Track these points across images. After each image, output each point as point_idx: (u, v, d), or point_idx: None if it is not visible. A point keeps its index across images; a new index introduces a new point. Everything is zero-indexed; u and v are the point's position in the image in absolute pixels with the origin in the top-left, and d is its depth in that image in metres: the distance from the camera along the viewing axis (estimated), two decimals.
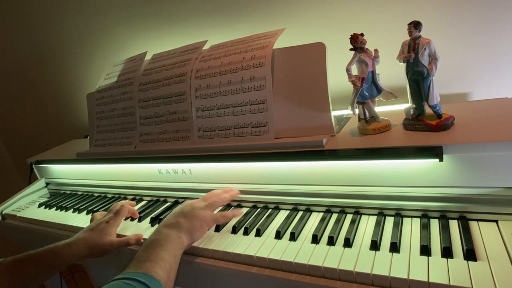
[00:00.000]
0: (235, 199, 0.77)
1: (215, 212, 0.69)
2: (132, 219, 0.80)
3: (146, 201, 0.91)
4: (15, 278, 0.63)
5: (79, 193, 1.10)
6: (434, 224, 0.55)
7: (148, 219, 0.78)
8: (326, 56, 0.69)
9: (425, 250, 0.49)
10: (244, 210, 0.74)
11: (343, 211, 0.65)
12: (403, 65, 0.63)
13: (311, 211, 0.68)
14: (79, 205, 0.96)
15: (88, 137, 1.10)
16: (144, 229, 0.74)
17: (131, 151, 0.91)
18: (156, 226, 0.75)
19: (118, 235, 0.72)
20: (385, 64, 0.69)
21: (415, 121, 0.64)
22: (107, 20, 1.35)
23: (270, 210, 0.71)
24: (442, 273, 0.44)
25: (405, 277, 0.45)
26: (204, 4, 1.13)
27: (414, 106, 0.64)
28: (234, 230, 0.65)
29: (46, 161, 1.14)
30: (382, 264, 0.48)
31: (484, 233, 0.51)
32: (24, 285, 0.64)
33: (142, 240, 0.70)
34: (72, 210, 0.95)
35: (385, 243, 0.53)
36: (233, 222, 0.69)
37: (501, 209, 0.52)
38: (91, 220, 0.78)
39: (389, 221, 0.58)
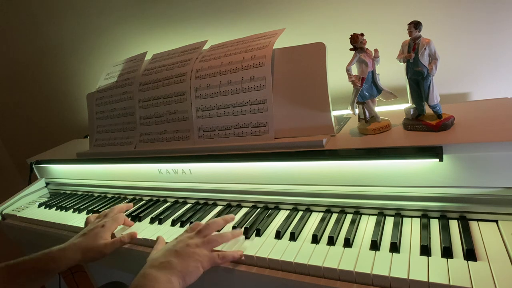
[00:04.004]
0: (235, 199, 0.77)
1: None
2: (133, 219, 0.80)
3: (145, 201, 0.91)
4: (10, 284, 0.61)
5: (79, 193, 1.10)
6: (434, 224, 0.55)
7: (148, 219, 0.78)
8: (326, 56, 0.69)
9: (425, 250, 0.49)
10: (244, 210, 0.74)
11: (343, 211, 0.65)
12: (403, 65, 0.63)
13: (311, 211, 0.68)
14: (79, 205, 0.96)
15: (88, 137, 1.10)
16: (144, 228, 0.74)
17: (131, 151, 0.91)
18: (156, 225, 0.75)
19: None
20: (385, 64, 0.69)
21: (415, 121, 0.64)
22: (107, 20, 1.35)
23: (270, 210, 0.71)
24: (442, 273, 0.44)
25: (405, 277, 0.45)
26: (204, 4, 1.13)
27: (414, 106, 0.64)
28: None
29: (46, 161, 1.14)
30: (382, 264, 0.48)
31: (484, 233, 0.51)
32: None
33: (137, 237, 0.70)
34: (72, 210, 0.95)
35: (385, 243, 0.53)
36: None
37: (501, 209, 0.52)
38: (86, 224, 0.77)
39: (389, 221, 0.58)
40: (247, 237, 0.63)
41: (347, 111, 0.87)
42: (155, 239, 0.68)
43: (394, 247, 0.51)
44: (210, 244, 0.59)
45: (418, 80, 0.60)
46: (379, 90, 0.66)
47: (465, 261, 0.46)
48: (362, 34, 0.63)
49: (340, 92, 0.90)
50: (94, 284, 1.29)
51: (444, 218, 0.55)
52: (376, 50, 0.64)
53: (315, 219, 0.65)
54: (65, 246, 0.66)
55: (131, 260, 0.74)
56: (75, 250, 0.66)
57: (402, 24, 0.61)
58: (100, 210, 0.89)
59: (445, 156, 0.54)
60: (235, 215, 0.73)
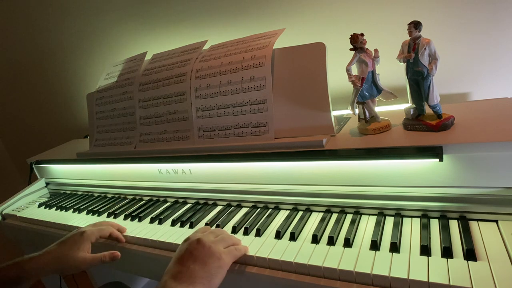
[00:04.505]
0: (235, 199, 0.77)
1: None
2: (132, 219, 0.80)
3: (145, 201, 0.91)
4: None
5: (79, 193, 1.10)
6: (434, 224, 0.55)
7: (148, 218, 0.78)
8: (326, 56, 0.69)
9: (425, 250, 0.49)
10: (244, 210, 0.74)
11: (343, 211, 0.65)
12: (403, 65, 0.63)
13: (311, 211, 0.68)
14: (79, 205, 0.96)
15: (88, 137, 1.10)
16: (144, 228, 0.74)
17: (131, 151, 0.91)
18: (156, 225, 0.75)
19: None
20: (385, 64, 0.69)
21: (415, 121, 0.64)
22: (107, 20, 1.35)
23: (270, 210, 0.71)
24: (442, 273, 0.44)
25: (405, 277, 0.45)
26: (204, 4, 1.13)
27: (414, 106, 0.64)
28: (234, 230, 0.65)
29: (46, 161, 1.14)
30: (382, 264, 0.48)
31: (484, 233, 0.51)
32: None
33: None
34: (72, 210, 0.95)
35: (385, 243, 0.53)
36: (233, 222, 0.69)
37: (501, 209, 0.52)
38: None
39: (389, 221, 0.58)
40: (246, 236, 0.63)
41: (347, 111, 0.87)
42: (155, 239, 0.68)
43: (394, 247, 0.51)
44: (224, 241, 0.55)
45: (418, 80, 0.60)
46: (379, 90, 0.66)
47: (465, 261, 0.46)
48: (362, 34, 0.63)
49: (340, 92, 0.90)
50: (94, 284, 1.29)
51: (444, 218, 0.55)
52: (376, 50, 0.64)
53: (315, 219, 0.65)
54: (38, 255, 0.62)
55: (131, 260, 0.74)
56: (49, 259, 0.61)
57: (402, 24, 0.61)
58: (100, 210, 0.89)
59: (445, 156, 0.54)
60: (235, 215, 0.73)
